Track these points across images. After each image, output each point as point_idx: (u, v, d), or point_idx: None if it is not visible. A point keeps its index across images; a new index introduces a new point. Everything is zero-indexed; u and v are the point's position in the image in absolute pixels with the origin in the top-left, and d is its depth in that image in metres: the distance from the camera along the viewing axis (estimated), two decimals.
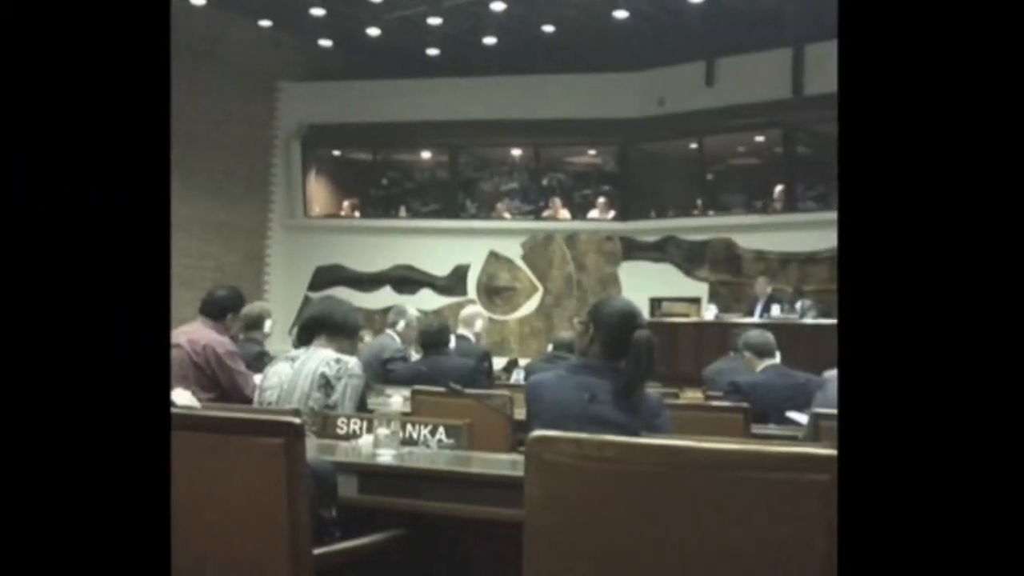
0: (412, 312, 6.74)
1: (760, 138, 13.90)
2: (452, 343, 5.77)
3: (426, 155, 15.69)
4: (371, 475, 2.51)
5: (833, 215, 10.02)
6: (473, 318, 6.62)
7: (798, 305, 10.90)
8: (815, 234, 12.30)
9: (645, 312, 12.20)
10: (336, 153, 15.70)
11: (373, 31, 13.16)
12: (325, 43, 14.04)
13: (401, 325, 6.42)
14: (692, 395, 5.96)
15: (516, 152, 15.34)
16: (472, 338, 6.40)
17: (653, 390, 3.29)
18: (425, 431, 2.92)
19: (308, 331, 3.50)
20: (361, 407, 3.35)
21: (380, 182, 15.58)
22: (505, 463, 2.60)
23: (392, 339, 6.39)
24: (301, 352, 3.43)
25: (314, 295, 13.20)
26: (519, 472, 1.68)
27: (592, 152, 15.19)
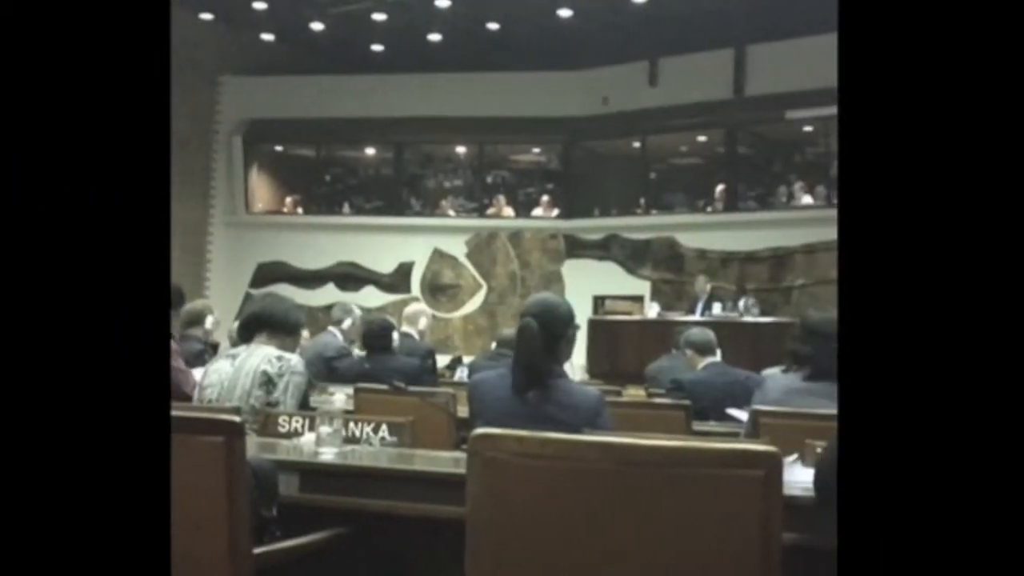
0: (357, 310, 6.70)
1: (702, 138, 14.07)
2: (396, 341, 5.75)
3: (370, 151, 15.60)
4: (313, 473, 2.49)
5: (771, 215, 10.13)
6: (417, 316, 6.60)
7: (741, 303, 11.05)
8: (755, 233, 12.50)
9: (588, 310, 12.34)
10: (279, 149, 15.54)
11: (317, 26, 13.05)
12: (268, 37, 13.89)
13: (347, 323, 6.38)
14: (635, 392, 6.00)
15: (460, 149, 15.33)
16: (416, 336, 6.39)
17: (594, 387, 3.31)
18: (368, 429, 2.91)
19: (249, 328, 3.47)
20: (303, 405, 3.32)
21: (323, 178, 15.46)
22: (448, 461, 2.60)
23: (334, 336, 6.35)
24: (242, 349, 3.39)
25: (256, 292, 13.06)
26: (462, 470, 1.69)
27: (536, 150, 15.23)
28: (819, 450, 2.03)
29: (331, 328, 6.46)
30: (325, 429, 2.61)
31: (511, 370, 2.78)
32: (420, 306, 7.23)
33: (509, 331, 6.56)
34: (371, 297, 13.82)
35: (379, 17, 12.61)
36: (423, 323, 6.56)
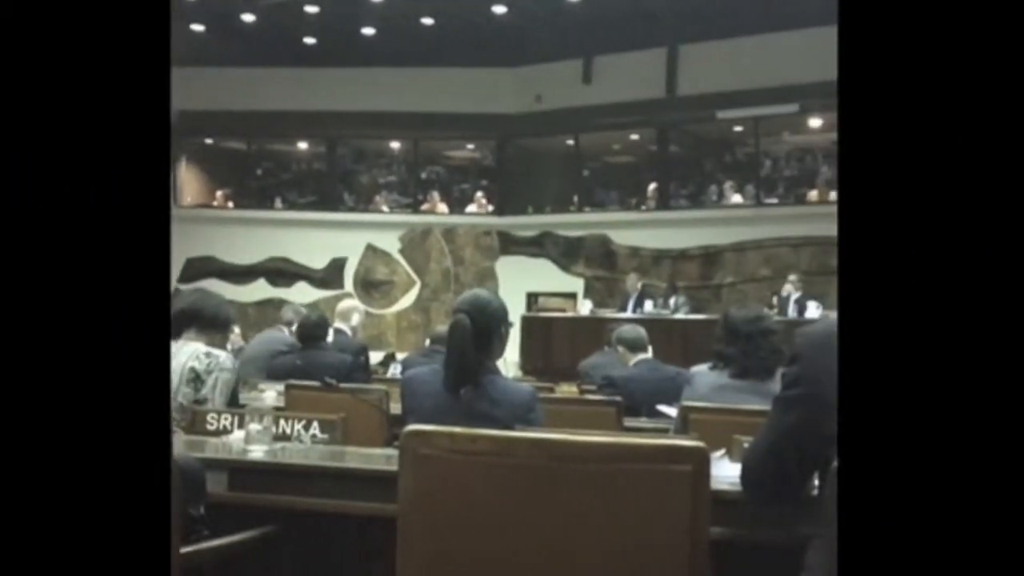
0: (304, 311, 6.65)
1: (635, 136, 14.21)
2: (330, 337, 5.70)
3: (303, 146, 15.45)
4: (242, 471, 2.46)
5: (702, 214, 10.26)
6: (350, 312, 6.55)
7: (672, 301, 11.19)
8: (687, 231, 12.67)
9: (522, 306, 12.39)
10: (208, 141, 15.29)
11: (248, 17, 12.85)
12: (197, 28, 13.63)
13: (296, 325, 6.32)
14: (567, 389, 6.03)
15: (395, 145, 15.26)
16: (349, 332, 6.34)
17: (527, 383, 3.32)
18: (298, 426, 2.88)
19: (177, 324, 3.41)
20: (233, 402, 3.28)
21: (255, 172, 15.26)
22: (380, 458, 2.59)
23: (281, 331, 6.29)
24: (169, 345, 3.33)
25: (184, 287, 12.83)
26: (394, 467, 1.68)
27: (470, 146, 15.24)
28: (746, 445, 2.06)
29: (280, 326, 6.41)
30: (254, 426, 2.58)
31: (443, 367, 2.78)
32: (353, 302, 7.16)
33: (443, 328, 6.52)
34: (303, 293, 13.69)
35: (311, 9, 12.46)
36: (356, 319, 6.51)
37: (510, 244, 14.00)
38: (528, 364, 10.94)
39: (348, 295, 13.33)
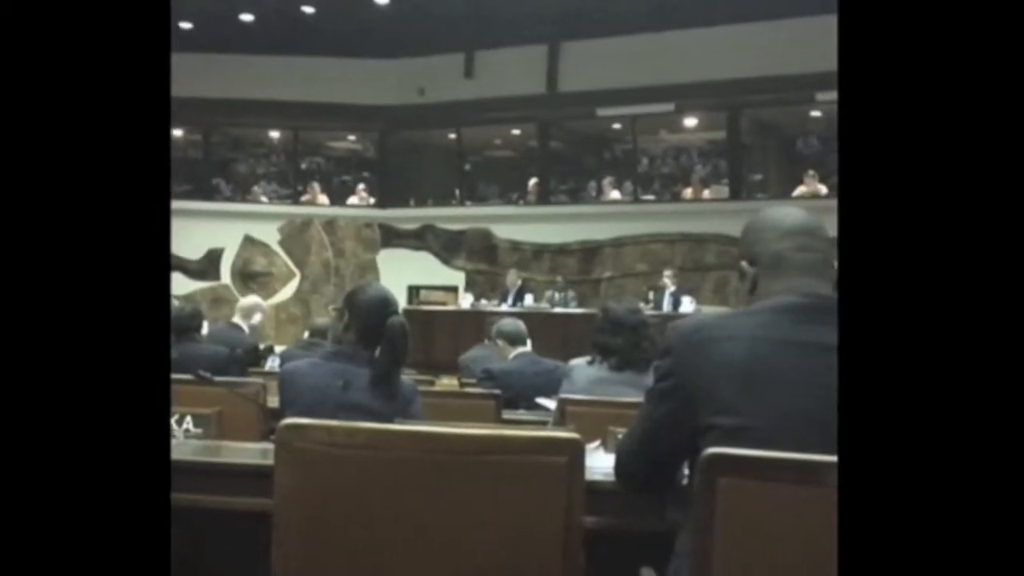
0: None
1: (516, 131, 14.31)
2: (205, 328, 5.56)
3: (177, 133, 14.98)
4: None
5: (582, 209, 10.39)
6: (252, 310, 6.39)
7: (560, 295, 11.38)
8: (566, 227, 12.85)
9: (403, 300, 12.33)
10: None
11: None
12: None
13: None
14: (448, 382, 6.05)
15: (274, 134, 14.96)
16: (247, 329, 6.19)
17: (407, 377, 3.33)
18: (171, 421, 2.82)
19: None
20: None
21: None
22: (255, 452, 2.55)
23: None
24: None
25: None
26: (270, 461, 1.66)
27: (352, 138, 15.07)
28: (620, 437, 2.11)
29: None
30: None
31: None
32: (257, 300, 6.93)
33: (322, 320, 6.47)
34: (178, 284, 13.29)
35: None
36: (257, 318, 6.34)
37: (391, 237, 13.92)
38: (408, 357, 10.90)
39: (224, 287, 13.02)
